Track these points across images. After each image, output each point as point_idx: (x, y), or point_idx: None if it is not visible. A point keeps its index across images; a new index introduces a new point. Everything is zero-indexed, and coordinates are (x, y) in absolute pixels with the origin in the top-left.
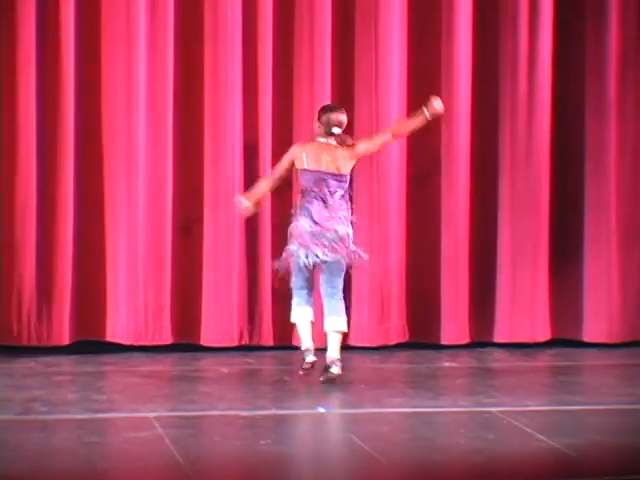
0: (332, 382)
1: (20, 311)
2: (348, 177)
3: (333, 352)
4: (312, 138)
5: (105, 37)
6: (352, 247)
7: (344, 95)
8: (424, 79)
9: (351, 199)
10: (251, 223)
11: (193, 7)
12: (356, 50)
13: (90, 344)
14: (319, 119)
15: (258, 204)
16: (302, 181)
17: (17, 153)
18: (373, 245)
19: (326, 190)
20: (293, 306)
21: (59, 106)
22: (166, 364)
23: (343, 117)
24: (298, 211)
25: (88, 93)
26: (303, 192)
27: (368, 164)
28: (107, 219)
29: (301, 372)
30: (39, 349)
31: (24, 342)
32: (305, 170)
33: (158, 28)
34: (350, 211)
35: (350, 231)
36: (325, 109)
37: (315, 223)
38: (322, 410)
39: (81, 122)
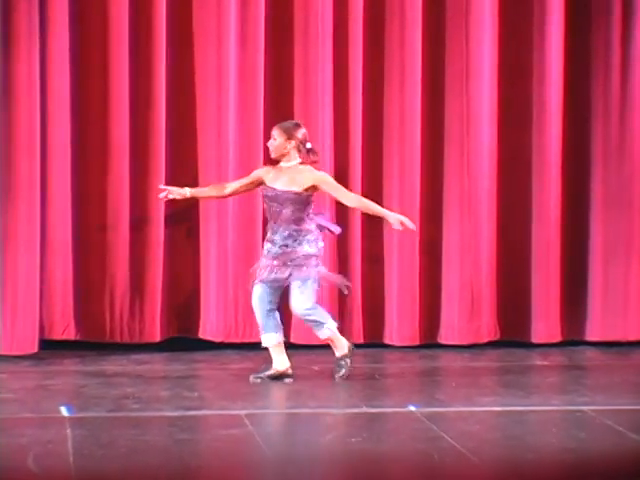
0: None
1: (113, 309)
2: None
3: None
4: (278, 158)
5: (196, 37)
6: None
7: (434, 95)
8: (515, 78)
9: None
10: (342, 219)
11: (284, 5)
12: (447, 49)
13: (181, 341)
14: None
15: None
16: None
17: (109, 153)
18: (463, 243)
19: None
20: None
21: (151, 107)
22: (257, 361)
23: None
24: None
25: (179, 93)
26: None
27: (459, 162)
28: (198, 218)
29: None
30: (131, 346)
31: (117, 339)
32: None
33: (249, 27)
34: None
35: None
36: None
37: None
38: (412, 408)
39: (172, 122)
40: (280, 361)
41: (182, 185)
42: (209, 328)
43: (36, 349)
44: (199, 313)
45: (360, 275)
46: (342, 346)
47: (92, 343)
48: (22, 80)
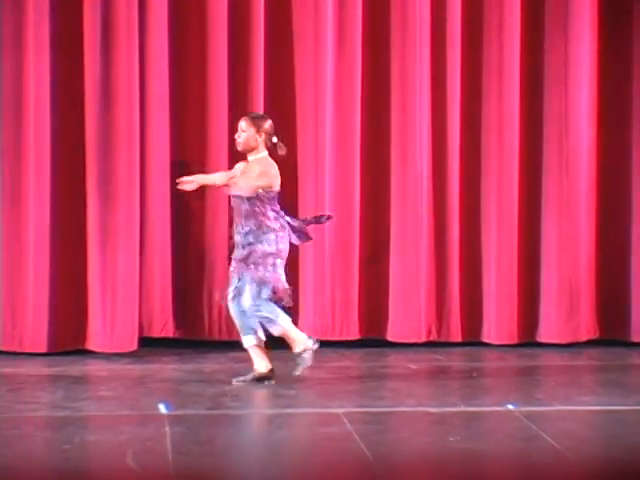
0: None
1: (211, 306)
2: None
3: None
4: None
5: (294, 38)
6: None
7: (533, 95)
8: (615, 78)
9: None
10: (439, 220)
11: (381, 6)
12: (545, 50)
13: (279, 338)
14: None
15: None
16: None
17: (207, 154)
18: (562, 241)
19: None
20: None
21: (249, 108)
22: (354, 359)
23: None
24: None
25: (277, 95)
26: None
27: (558, 162)
28: (296, 214)
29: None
30: (229, 344)
31: (215, 337)
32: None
33: (346, 28)
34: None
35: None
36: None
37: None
38: (511, 407)
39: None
40: (260, 363)
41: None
42: (306, 326)
43: (135, 347)
44: (297, 311)
45: (458, 274)
46: (299, 341)
47: (190, 341)
48: (122, 81)
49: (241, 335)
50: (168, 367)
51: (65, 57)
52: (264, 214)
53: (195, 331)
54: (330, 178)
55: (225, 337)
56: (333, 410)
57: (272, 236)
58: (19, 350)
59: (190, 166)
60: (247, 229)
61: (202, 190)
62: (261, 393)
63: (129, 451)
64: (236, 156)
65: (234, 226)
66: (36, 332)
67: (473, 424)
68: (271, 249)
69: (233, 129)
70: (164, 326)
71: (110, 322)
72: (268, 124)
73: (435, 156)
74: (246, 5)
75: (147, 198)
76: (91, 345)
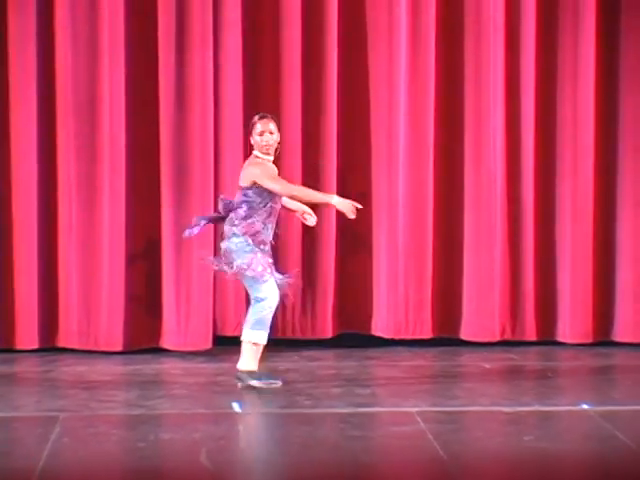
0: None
1: (284, 305)
2: (245, 190)
3: (241, 363)
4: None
5: (368, 38)
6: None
7: (608, 93)
8: None
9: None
10: (513, 219)
11: (455, 5)
12: (621, 48)
13: (353, 337)
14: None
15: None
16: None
17: (281, 156)
18: (638, 239)
19: None
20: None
21: (322, 109)
22: (427, 358)
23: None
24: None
25: (350, 95)
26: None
27: (633, 160)
28: (370, 214)
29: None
30: (303, 342)
31: (288, 335)
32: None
33: (420, 27)
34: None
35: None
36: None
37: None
38: (586, 406)
39: (344, 125)
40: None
41: (353, 187)
42: (380, 324)
43: (210, 345)
44: (371, 309)
45: (533, 272)
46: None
47: None
48: (196, 82)
49: (266, 331)
50: None
51: (140, 58)
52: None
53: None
54: (403, 179)
55: (298, 335)
56: (407, 409)
57: None
58: (94, 349)
59: None
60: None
61: None
62: (335, 392)
63: (203, 449)
64: (307, 158)
65: (270, 229)
66: (111, 331)
67: (547, 424)
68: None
69: (306, 131)
70: (238, 324)
71: (184, 321)
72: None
73: (509, 156)
74: (320, 6)
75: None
76: (166, 343)
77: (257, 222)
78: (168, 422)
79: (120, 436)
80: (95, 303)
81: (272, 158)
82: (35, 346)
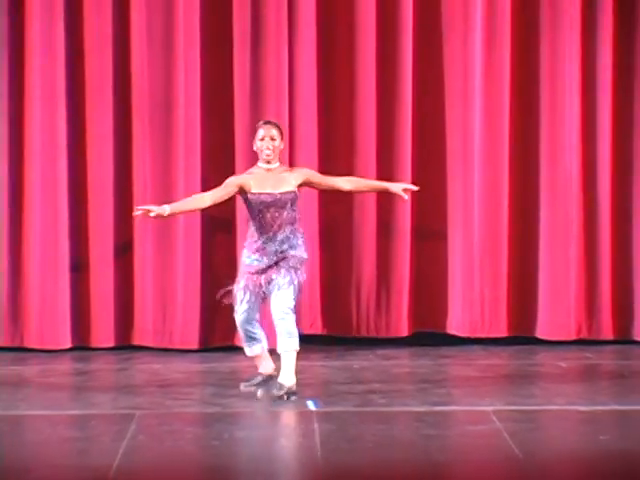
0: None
1: (359, 303)
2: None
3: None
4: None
5: (443, 35)
6: None
7: None
8: None
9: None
10: (589, 217)
11: (531, 5)
12: None
13: (428, 336)
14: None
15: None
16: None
17: (355, 153)
18: None
19: None
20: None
21: (397, 106)
22: (503, 357)
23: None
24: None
25: (425, 93)
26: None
27: None
28: (446, 213)
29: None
30: (378, 341)
31: (363, 334)
32: None
33: (496, 24)
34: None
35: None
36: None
37: None
38: None
39: (419, 121)
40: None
41: (428, 186)
42: (455, 323)
43: None
44: (446, 308)
45: (609, 271)
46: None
47: (339, 337)
48: (271, 80)
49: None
50: (317, 364)
51: (215, 59)
52: (298, 220)
53: (343, 328)
54: (479, 177)
55: (373, 334)
56: (482, 408)
57: (302, 241)
58: (170, 346)
59: (337, 164)
60: (284, 236)
61: None
62: (410, 390)
63: (278, 447)
64: (381, 158)
65: (265, 237)
66: (186, 329)
67: (624, 423)
68: (305, 255)
69: (381, 128)
70: (313, 323)
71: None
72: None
73: (585, 154)
74: (395, 4)
75: None
76: (239, 341)
77: (254, 232)
78: (243, 420)
79: (195, 434)
80: (170, 301)
81: (274, 166)
82: (111, 344)
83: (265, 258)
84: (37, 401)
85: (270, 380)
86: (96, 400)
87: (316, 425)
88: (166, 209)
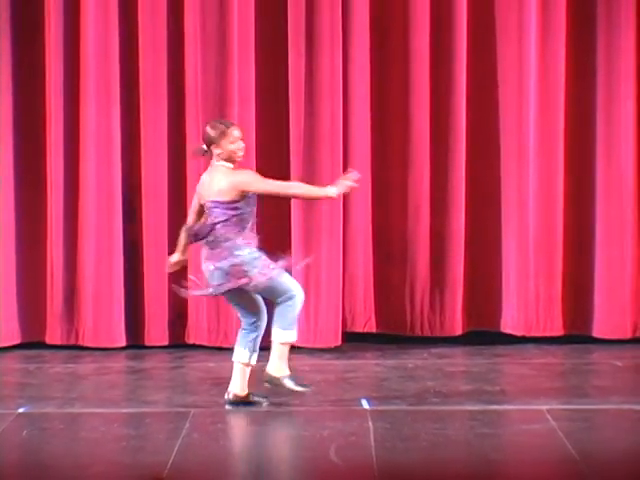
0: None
1: (413, 302)
2: (233, 204)
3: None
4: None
5: (497, 33)
6: None
7: None
8: None
9: None
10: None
11: (587, 2)
12: None
13: (482, 335)
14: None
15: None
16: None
17: (410, 152)
18: None
19: None
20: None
21: (451, 104)
22: (557, 356)
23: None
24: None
25: (479, 92)
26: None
27: None
28: (500, 211)
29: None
30: (432, 339)
31: (417, 333)
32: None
33: (550, 20)
34: None
35: None
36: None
37: None
38: None
39: (473, 119)
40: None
41: (482, 186)
42: (510, 321)
43: (339, 342)
44: (500, 306)
45: None
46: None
47: (393, 336)
48: (325, 81)
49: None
50: (371, 362)
51: (269, 56)
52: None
53: (397, 326)
54: (533, 176)
55: (427, 333)
56: (537, 407)
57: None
58: (224, 345)
59: (392, 163)
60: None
61: (403, 184)
62: (465, 389)
63: (332, 446)
64: (435, 159)
65: (253, 234)
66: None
67: None
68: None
69: (435, 126)
70: (367, 321)
71: (314, 318)
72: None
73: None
74: (449, 5)
75: (349, 195)
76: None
77: (252, 230)
78: (297, 418)
79: (249, 432)
80: (224, 300)
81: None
82: (165, 342)
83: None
84: (92, 399)
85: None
86: (151, 398)
87: (370, 424)
88: (174, 258)
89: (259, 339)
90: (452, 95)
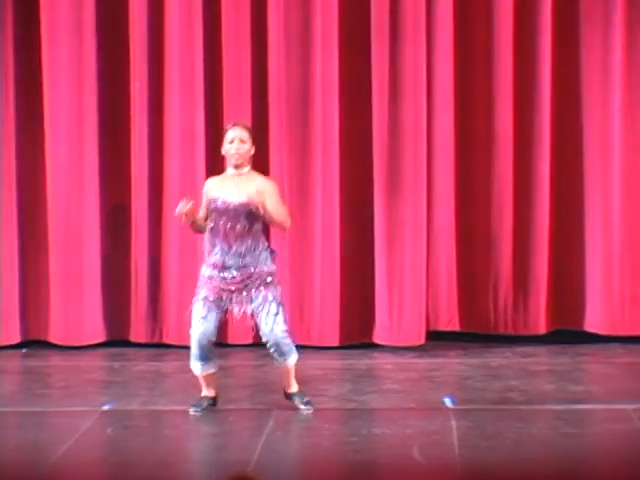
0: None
1: (497, 300)
2: None
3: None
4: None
5: (581, 32)
6: None
7: None
8: None
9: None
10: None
11: None
12: None
13: (566, 333)
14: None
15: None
16: None
17: (493, 149)
18: None
19: None
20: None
21: (535, 104)
22: None
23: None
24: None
25: (563, 89)
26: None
27: None
28: (584, 209)
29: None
30: (515, 338)
31: (501, 331)
32: None
33: (635, 19)
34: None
35: None
36: None
37: None
38: None
39: (556, 114)
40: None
41: (566, 184)
42: (595, 321)
43: (423, 341)
44: (584, 305)
45: None
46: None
47: (476, 335)
48: (409, 78)
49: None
50: (454, 361)
51: (352, 52)
52: (262, 232)
53: (481, 325)
54: (618, 172)
55: (511, 331)
56: (623, 406)
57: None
58: (307, 343)
59: (475, 162)
60: (243, 249)
61: (487, 182)
62: (549, 388)
63: (415, 444)
64: (519, 158)
65: (224, 250)
66: (324, 326)
67: None
68: (272, 268)
69: (519, 124)
70: (450, 320)
71: (397, 316)
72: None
73: None
74: (533, 0)
75: (433, 193)
76: (378, 339)
77: (209, 243)
78: (380, 417)
79: (332, 430)
80: (308, 299)
81: (242, 171)
82: (249, 341)
83: (226, 272)
84: (176, 397)
85: (216, 402)
86: (234, 396)
87: (453, 422)
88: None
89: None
90: (536, 93)
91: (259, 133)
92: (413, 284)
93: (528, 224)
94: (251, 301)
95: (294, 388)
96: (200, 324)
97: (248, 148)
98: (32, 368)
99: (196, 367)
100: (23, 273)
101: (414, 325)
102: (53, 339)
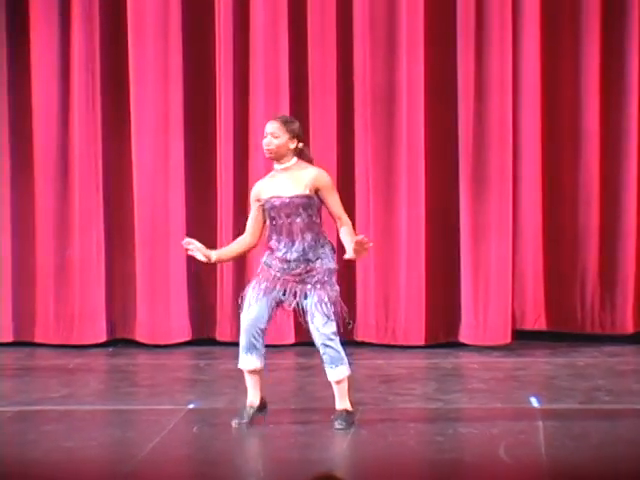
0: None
1: (584, 299)
2: None
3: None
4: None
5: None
6: None
7: None
8: None
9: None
10: None
11: None
12: None
13: None
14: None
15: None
16: None
17: (579, 146)
18: None
19: None
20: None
21: (622, 98)
22: None
23: None
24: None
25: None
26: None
27: None
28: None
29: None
30: (602, 337)
31: (588, 330)
32: None
33: None
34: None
35: None
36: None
37: None
38: None
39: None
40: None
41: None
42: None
43: (509, 340)
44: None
45: None
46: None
47: (563, 334)
48: (495, 76)
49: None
50: (540, 360)
51: (438, 53)
52: (321, 225)
53: (567, 324)
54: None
55: (598, 330)
56: None
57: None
58: (392, 343)
59: (562, 160)
60: (304, 245)
61: (574, 180)
62: (636, 388)
63: (501, 444)
64: (607, 158)
65: (283, 243)
66: (410, 324)
67: None
68: (332, 265)
69: (605, 123)
70: (537, 319)
71: (483, 315)
72: (300, 128)
73: None
74: None
75: (519, 191)
76: (463, 338)
77: (272, 240)
78: (466, 416)
79: (418, 429)
80: (393, 298)
81: (287, 164)
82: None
83: (287, 264)
84: None
85: (262, 411)
86: (319, 394)
87: (540, 422)
88: (212, 255)
89: None
90: (623, 90)
91: (344, 133)
92: (499, 282)
93: (615, 222)
94: (305, 297)
95: (342, 405)
96: (250, 309)
97: (280, 142)
98: (119, 366)
99: (242, 360)
100: (110, 272)
101: (500, 324)
102: (139, 337)
